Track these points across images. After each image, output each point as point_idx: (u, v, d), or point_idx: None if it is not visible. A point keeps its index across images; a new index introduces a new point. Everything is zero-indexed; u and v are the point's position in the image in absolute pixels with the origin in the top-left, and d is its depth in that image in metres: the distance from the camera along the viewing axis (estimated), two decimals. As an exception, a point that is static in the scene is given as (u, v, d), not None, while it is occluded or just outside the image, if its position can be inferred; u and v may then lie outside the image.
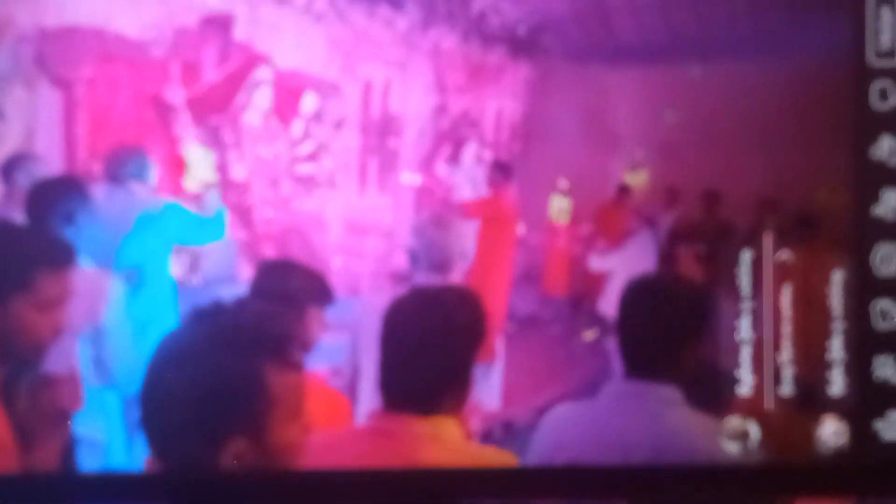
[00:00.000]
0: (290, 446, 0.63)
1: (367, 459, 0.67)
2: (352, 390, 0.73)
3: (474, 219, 0.75)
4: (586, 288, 0.73)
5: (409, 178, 0.73)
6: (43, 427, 0.67)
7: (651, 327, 0.70)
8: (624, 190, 0.75)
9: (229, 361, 0.61)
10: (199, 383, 0.60)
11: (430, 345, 0.69)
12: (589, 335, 0.70)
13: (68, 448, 0.68)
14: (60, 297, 0.62)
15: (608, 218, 0.78)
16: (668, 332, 0.70)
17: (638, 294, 0.70)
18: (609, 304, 0.73)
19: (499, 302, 0.74)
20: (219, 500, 0.66)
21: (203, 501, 0.66)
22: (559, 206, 0.77)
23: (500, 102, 0.80)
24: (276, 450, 0.62)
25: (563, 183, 0.75)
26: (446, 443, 0.69)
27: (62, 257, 0.63)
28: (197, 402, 0.60)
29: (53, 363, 0.68)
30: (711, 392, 0.71)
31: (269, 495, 0.66)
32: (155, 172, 0.72)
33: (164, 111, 0.71)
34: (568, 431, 0.71)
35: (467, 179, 0.79)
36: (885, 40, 0.64)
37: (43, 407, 0.66)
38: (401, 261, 0.75)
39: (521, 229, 0.76)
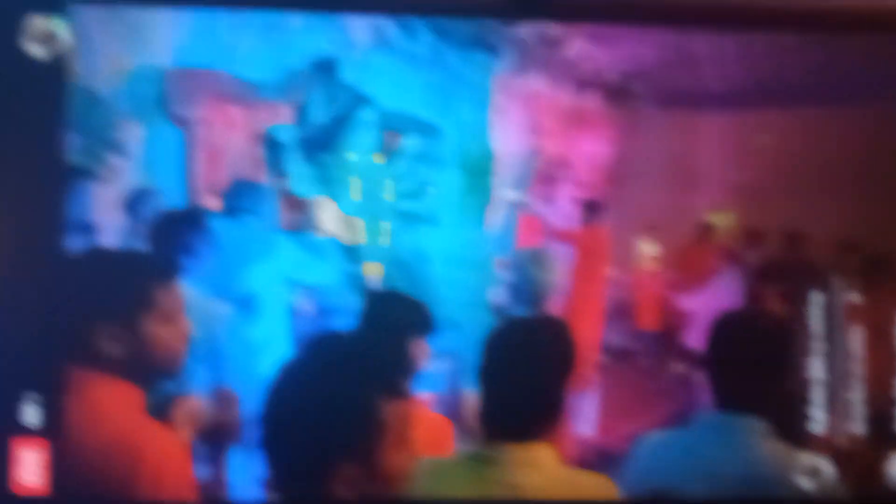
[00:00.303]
0: (398, 472, 0.65)
1: (467, 485, 0.70)
2: (454, 417, 0.75)
3: (570, 245, 0.77)
4: (676, 323, 0.74)
5: (513, 199, 0.75)
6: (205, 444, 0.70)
7: (742, 361, 0.72)
8: (706, 228, 0.76)
9: (343, 390, 0.63)
10: (314, 410, 0.62)
11: (526, 374, 0.71)
12: (679, 367, 0.71)
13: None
14: (177, 309, 0.65)
15: (692, 257, 0.79)
16: (759, 365, 0.72)
17: (728, 328, 0.71)
18: (696, 339, 0.74)
19: (592, 334, 0.75)
20: None
21: None
22: (647, 252, 0.78)
23: (592, 145, 0.81)
24: (385, 476, 0.64)
25: (650, 229, 0.76)
26: (544, 468, 0.71)
27: (169, 270, 0.67)
28: (312, 428, 0.63)
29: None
30: (796, 425, 0.73)
31: None
32: (270, 206, 0.75)
33: (275, 149, 0.73)
34: (660, 458, 0.73)
35: (561, 218, 0.80)
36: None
37: (204, 424, 0.69)
38: (499, 294, 0.77)
39: (611, 270, 0.78)
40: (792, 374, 0.71)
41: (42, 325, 0.64)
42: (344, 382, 0.63)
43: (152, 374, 0.69)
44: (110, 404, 0.67)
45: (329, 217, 0.70)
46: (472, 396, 0.76)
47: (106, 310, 0.67)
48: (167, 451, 0.68)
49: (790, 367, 0.71)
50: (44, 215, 0.64)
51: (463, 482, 0.71)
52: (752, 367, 0.71)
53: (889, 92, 0.69)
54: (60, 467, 0.63)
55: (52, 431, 0.63)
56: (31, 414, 0.62)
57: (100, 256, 0.68)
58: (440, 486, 0.71)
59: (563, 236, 0.73)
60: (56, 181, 0.64)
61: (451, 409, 0.75)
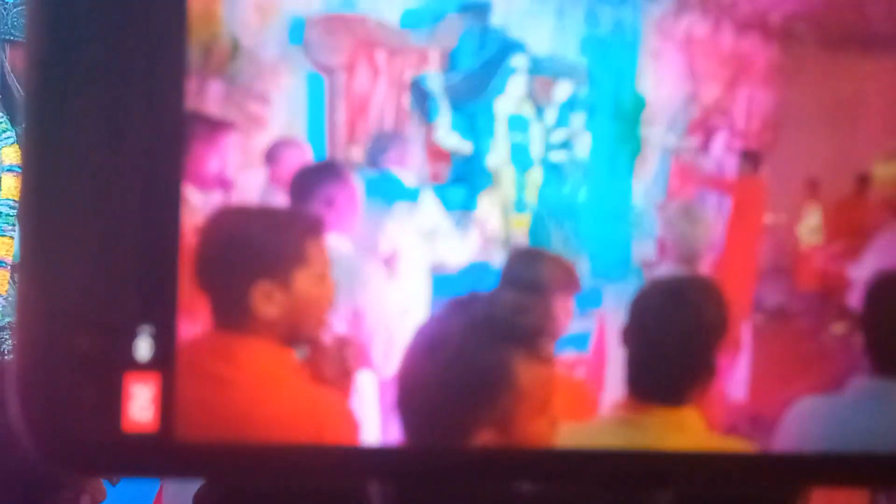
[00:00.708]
0: (537, 439, 0.64)
1: (611, 444, 0.68)
2: (599, 379, 0.72)
3: (725, 196, 0.73)
4: (837, 282, 0.70)
5: (666, 147, 0.71)
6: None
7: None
8: (863, 180, 0.71)
9: (481, 353, 0.61)
10: (451, 372, 0.61)
11: (675, 337, 0.68)
12: (838, 328, 0.67)
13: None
14: (327, 268, 0.64)
15: (852, 213, 0.74)
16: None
17: (886, 289, 0.68)
18: (858, 299, 0.70)
19: (745, 293, 0.71)
20: (456, 473, 0.67)
21: (441, 475, 0.67)
22: (809, 225, 0.73)
23: (752, 91, 0.76)
24: (524, 442, 0.63)
25: (812, 188, 0.71)
26: (690, 433, 0.69)
27: (319, 224, 0.65)
28: (448, 390, 0.61)
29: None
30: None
31: (508, 471, 0.67)
32: (413, 158, 0.72)
33: (422, 98, 0.71)
34: (813, 425, 0.70)
35: (718, 168, 0.76)
36: None
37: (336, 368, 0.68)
38: (649, 249, 0.73)
39: (770, 218, 0.73)
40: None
41: (163, 261, 0.62)
42: (482, 345, 0.61)
43: (302, 334, 0.67)
44: (261, 368, 0.66)
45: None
46: (617, 358, 0.73)
47: (256, 266, 0.66)
48: (337, 416, 0.67)
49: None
50: (171, 160, 0.63)
51: (602, 444, 0.69)
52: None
53: None
54: (174, 404, 0.62)
55: (167, 366, 0.62)
56: (144, 348, 0.61)
57: (244, 210, 0.66)
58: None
59: (718, 186, 0.69)
60: (179, 129, 0.63)
61: (597, 372, 0.73)
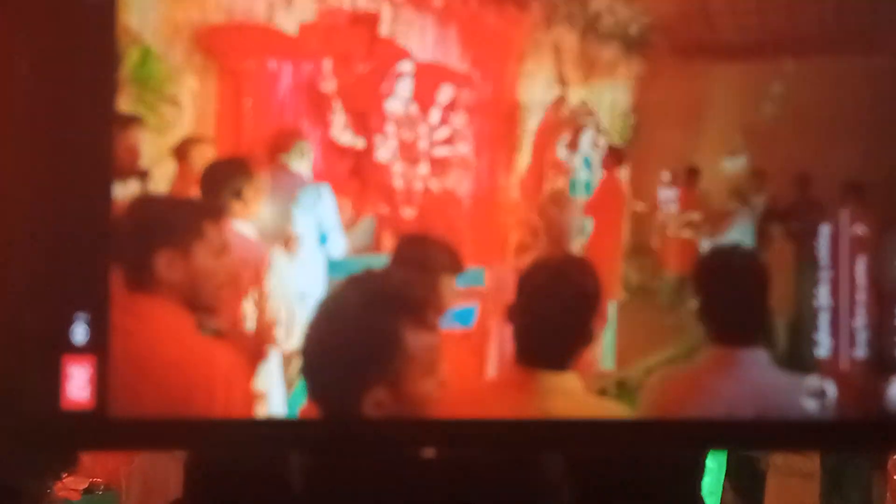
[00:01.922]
0: (425, 398, 0.68)
1: (499, 410, 0.72)
2: (480, 351, 0.77)
3: (589, 185, 0.78)
4: (689, 263, 0.76)
5: (532, 143, 0.76)
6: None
7: (735, 296, 0.73)
8: (692, 172, 0.76)
9: (375, 322, 0.66)
10: (350, 338, 0.65)
11: (559, 308, 0.73)
12: (692, 304, 0.72)
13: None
14: (225, 247, 0.68)
15: (701, 202, 0.79)
16: (756, 299, 0.73)
17: (723, 267, 0.73)
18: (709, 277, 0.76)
19: (612, 272, 0.76)
20: (360, 443, 0.71)
21: (348, 444, 0.71)
22: (667, 213, 0.78)
23: (614, 94, 0.81)
24: (413, 401, 0.67)
25: (666, 175, 0.76)
26: (571, 395, 0.73)
27: (219, 210, 0.69)
28: (347, 355, 0.65)
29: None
30: (795, 354, 0.74)
31: (406, 439, 0.71)
32: (311, 154, 0.77)
33: (317, 100, 0.74)
34: (671, 392, 0.75)
35: (584, 163, 0.81)
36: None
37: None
38: (525, 235, 0.78)
39: (637, 206, 0.78)
40: (786, 307, 0.73)
41: (96, 252, 0.66)
42: (376, 315, 0.66)
43: (201, 300, 0.71)
44: (165, 324, 0.70)
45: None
46: (500, 330, 0.78)
47: (161, 238, 0.69)
48: (224, 368, 0.70)
49: (784, 301, 0.72)
50: (96, 157, 0.66)
51: (494, 407, 0.73)
52: (750, 301, 0.72)
53: (893, 40, 0.70)
54: (108, 383, 0.66)
55: (101, 349, 0.65)
56: (81, 332, 0.64)
57: (155, 197, 0.70)
58: (472, 410, 0.73)
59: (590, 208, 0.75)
60: (107, 127, 0.66)
61: (481, 343, 0.77)
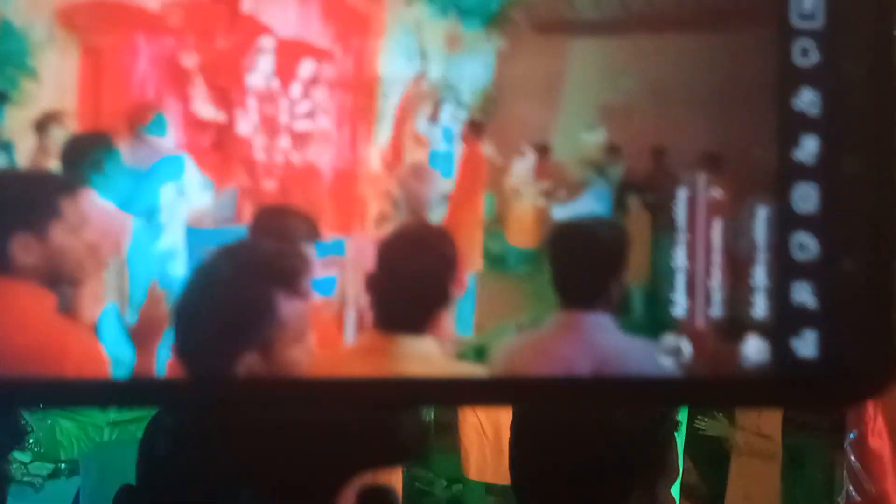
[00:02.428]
0: (294, 364, 0.69)
1: (361, 371, 0.73)
2: (339, 318, 0.77)
3: (451, 160, 0.78)
4: (543, 233, 0.76)
5: (399, 118, 0.76)
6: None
7: (580, 263, 0.75)
8: (544, 146, 0.76)
9: (246, 290, 0.67)
10: (222, 307, 0.66)
11: (416, 274, 0.74)
12: (546, 273, 0.73)
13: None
14: (84, 220, 0.67)
15: (556, 174, 0.80)
16: (596, 266, 0.75)
17: (570, 235, 0.75)
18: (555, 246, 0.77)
19: (472, 242, 0.77)
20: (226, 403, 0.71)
21: (214, 404, 0.72)
22: (524, 184, 0.78)
23: (474, 69, 0.81)
24: (283, 366, 0.68)
25: (525, 157, 0.76)
26: (430, 360, 0.75)
27: (74, 183, 0.69)
28: (220, 322, 0.66)
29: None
30: (647, 317, 0.76)
31: (273, 399, 0.72)
32: (171, 128, 0.76)
33: (178, 74, 0.73)
34: (518, 356, 0.76)
35: (443, 135, 0.81)
36: (808, 4, 0.68)
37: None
38: (385, 206, 0.78)
39: (496, 179, 0.79)
40: (629, 272, 0.74)
41: None
42: (249, 283, 0.66)
43: (61, 278, 0.71)
44: (23, 306, 0.69)
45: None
46: (360, 298, 0.79)
47: (16, 219, 0.69)
48: (81, 348, 0.70)
49: (632, 268, 0.74)
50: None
51: (355, 370, 0.74)
52: (595, 269, 0.74)
53: (740, 12, 0.72)
54: None
55: None
56: None
57: (8, 174, 0.69)
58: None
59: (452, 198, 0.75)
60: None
61: (339, 310, 0.78)
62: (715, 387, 0.69)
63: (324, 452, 0.72)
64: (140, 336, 0.70)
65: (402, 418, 0.74)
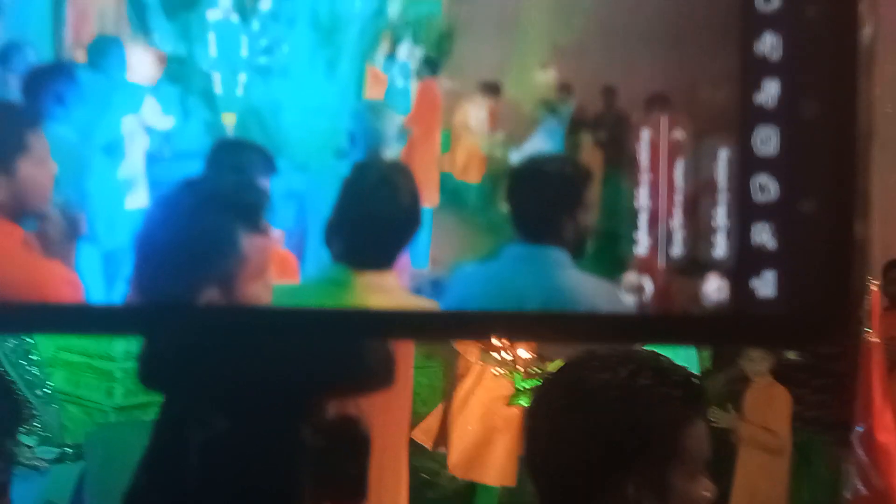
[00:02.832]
0: (255, 299, 0.69)
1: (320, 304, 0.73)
2: (299, 251, 0.78)
3: (405, 93, 0.79)
4: (501, 170, 0.77)
5: (359, 55, 0.76)
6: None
7: (541, 199, 0.76)
8: (495, 87, 0.77)
9: (208, 224, 0.67)
10: (183, 241, 0.66)
11: (382, 212, 0.75)
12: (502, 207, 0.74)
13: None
14: (47, 151, 0.67)
15: (512, 110, 0.80)
16: (552, 202, 0.75)
17: (526, 172, 0.76)
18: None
19: (429, 179, 0.77)
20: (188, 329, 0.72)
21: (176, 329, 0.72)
22: (479, 121, 0.77)
23: (431, 7, 0.81)
24: (244, 300, 0.68)
25: (479, 94, 0.76)
26: (390, 293, 0.76)
27: (39, 116, 0.68)
28: (180, 255, 0.66)
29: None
30: (608, 254, 0.77)
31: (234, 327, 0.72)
32: (134, 60, 0.76)
33: (139, 7, 0.73)
34: (471, 287, 0.77)
35: (401, 72, 0.81)
36: (770, -51, 0.69)
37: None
38: (342, 141, 0.78)
39: (452, 117, 0.79)
40: (588, 210, 0.75)
41: None
42: (208, 217, 0.67)
43: (27, 211, 0.71)
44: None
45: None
46: (316, 233, 0.79)
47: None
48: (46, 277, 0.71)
49: (585, 204, 0.74)
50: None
51: (316, 303, 0.75)
52: (550, 204, 0.75)
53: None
54: None
55: None
56: None
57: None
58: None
59: (410, 120, 0.76)
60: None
61: (298, 244, 0.78)
62: (674, 324, 0.70)
63: (292, 376, 0.73)
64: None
65: (369, 347, 0.75)
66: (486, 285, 0.72)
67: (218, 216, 0.64)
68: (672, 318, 0.70)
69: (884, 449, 3.98)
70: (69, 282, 0.63)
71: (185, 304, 0.66)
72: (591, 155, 0.74)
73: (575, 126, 0.73)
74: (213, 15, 0.69)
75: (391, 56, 0.78)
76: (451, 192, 0.76)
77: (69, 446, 4.30)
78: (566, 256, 0.70)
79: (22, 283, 0.63)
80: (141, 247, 0.64)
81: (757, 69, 0.66)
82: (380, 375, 0.78)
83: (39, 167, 0.63)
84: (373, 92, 0.77)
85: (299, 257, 0.71)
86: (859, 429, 4.03)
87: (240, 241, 0.63)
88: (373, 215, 0.70)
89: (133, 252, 0.65)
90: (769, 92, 0.65)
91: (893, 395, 3.94)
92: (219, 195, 0.65)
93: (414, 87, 0.77)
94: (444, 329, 0.71)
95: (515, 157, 0.73)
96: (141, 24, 0.67)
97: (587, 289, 0.71)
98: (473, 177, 0.77)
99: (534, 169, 0.72)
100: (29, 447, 3.84)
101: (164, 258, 0.65)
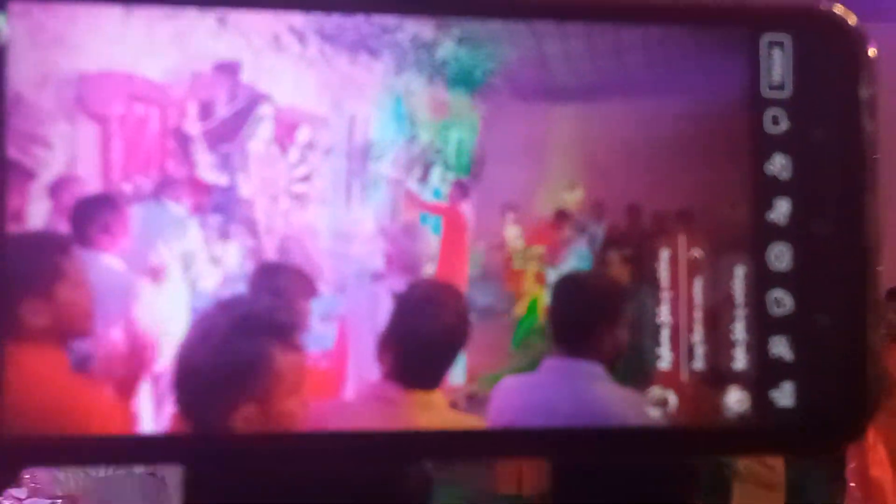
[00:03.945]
0: (290, 415, 0.68)
1: (368, 423, 0.72)
2: (340, 371, 0.77)
3: (439, 218, 0.79)
4: (536, 286, 0.77)
5: (392, 179, 0.77)
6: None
7: (580, 315, 0.75)
8: (561, 215, 0.77)
9: (244, 343, 0.66)
10: (220, 359, 0.65)
11: (435, 330, 0.74)
12: (542, 321, 0.73)
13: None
14: (83, 276, 0.67)
15: (542, 232, 0.81)
16: (590, 317, 0.75)
17: (565, 286, 0.75)
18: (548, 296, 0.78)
19: (461, 294, 0.78)
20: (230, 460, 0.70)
21: (220, 460, 0.71)
22: (511, 240, 0.79)
23: (461, 133, 0.82)
24: (279, 417, 0.67)
25: (510, 215, 0.77)
26: (438, 411, 0.74)
27: (69, 242, 0.68)
28: (218, 375, 0.66)
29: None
30: (635, 368, 0.75)
31: (272, 454, 0.71)
32: (178, 191, 0.76)
33: (183, 141, 0.74)
34: (509, 399, 0.76)
35: (433, 195, 0.82)
36: (776, 75, 0.69)
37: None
38: (379, 263, 0.78)
39: (483, 237, 0.79)
40: (624, 325, 0.74)
41: None
42: (243, 337, 0.66)
43: (70, 337, 0.70)
44: (38, 368, 0.69)
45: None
46: (357, 352, 0.78)
47: (25, 284, 0.69)
48: (96, 404, 0.70)
49: (621, 320, 0.74)
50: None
51: (364, 421, 0.74)
52: (584, 318, 0.74)
53: (714, 82, 0.73)
54: (5, 426, 0.65)
55: None
56: None
57: (16, 237, 0.69)
58: (342, 424, 0.74)
59: (433, 210, 0.75)
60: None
61: (339, 364, 0.77)
62: (699, 437, 0.69)
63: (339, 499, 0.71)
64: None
65: (406, 471, 0.74)
66: (518, 398, 0.71)
67: (252, 335, 0.63)
68: (696, 431, 0.69)
69: (877, 483, 3.92)
70: (114, 410, 0.62)
71: (228, 431, 0.65)
72: (619, 271, 0.74)
73: (605, 244, 0.73)
74: (253, 147, 0.69)
75: (424, 180, 0.77)
76: (483, 308, 0.75)
77: (60, 498, 4.24)
78: (603, 370, 0.69)
79: (66, 413, 0.62)
80: (178, 368, 0.64)
81: (768, 188, 0.67)
82: (419, 498, 0.77)
83: (77, 292, 0.62)
84: (407, 215, 0.77)
85: (340, 377, 0.70)
86: (852, 464, 3.99)
87: (273, 357, 0.63)
88: (427, 334, 0.69)
89: (173, 375, 0.64)
90: (781, 210, 0.66)
91: (885, 430, 3.88)
92: (251, 314, 0.64)
93: (446, 208, 0.77)
94: (498, 449, 0.70)
95: (552, 274, 0.72)
96: (184, 156, 0.67)
97: (619, 400, 0.70)
98: (504, 293, 0.76)
99: (575, 286, 0.72)
100: (19, 500, 3.78)
101: (202, 377, 0.64)
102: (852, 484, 4.22)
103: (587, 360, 0.71)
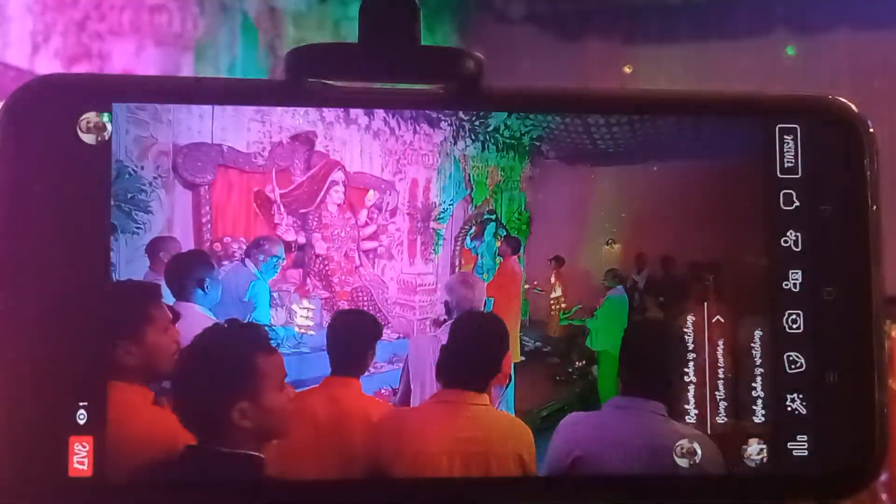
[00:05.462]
0: (281, 408, 0.74)
1: (433, 421, 0.78)
2: (404, 403, 0.81)
3: (490, 268, 0.83)
4: (576, 331, 0.80)
5: (451, 237, 0.80)
6: None
7: (643, 357, 0.78)
8: (557, 259, 0.80)
9: (233, 352, 0.72)
10: (216, 365, 0.71)
11: (481, 344, 0.79)
12: (536, 291, 0.76)
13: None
14: (169, 321, 0.72)
15: (582, 281, 0.84)
16: (658, 360, 0.78)
17: (638, 333, 0.78)
18: (593, 342, 0.80)
19: (511, 339, 0.81)
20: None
21: None
22: (556, 290, 0.83)
23: (511, 194, 0.86)
24: (271, 410, 0.73)
25: (555, 265, 0.80)
26: (488, 407, 0.79)
27: (155, 291, 0.73)
28: (214, 377, 0.71)
29: None
30: (687, 409, 0.79)
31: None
32: (261, 251, 0.80)
33: (265, 204, 0.78)
34: (579, 432, 0.79)
35: (487, 251, 0.85)
36: (789, 158, 0.73)
37: None
38: (439, 310, 0.82)
39: (532, 290, 0.83)
40: (681, 367, 0.77)
41: (86, 346, 0.70)
42: (233, 347, 0.72)
43: (155, 376, 0.75)
44: (130, 404, 0.73)
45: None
46: (419, 390, 0.82)
47: (120, 327, 0.73)
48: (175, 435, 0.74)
49: (679, 363, 0.77)
50: (91, 261, 0.70)
51: (429, 419, 0.80)
52: (652, 362, 0.78)
53: (734, 161, 0.76)
54: (104, 457, 0.70)
55: (96, 430, 0.69)
56: (81, 417, 0.69)
57: (114, 287, 0.74)
58: (412, 425, 0.80)
59: (485, 264, 0.81)
60: (101, 235, 0.71)
61: (403, 399, 0.82)
62: (721, 484, 0.72)
63: None
64: None
65: None
66: (589, 431, 0.75)
67: (239, 345, 0.70)
68: (720, 480, 0.73)
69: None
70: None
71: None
72: (655, 316, 0.77)
73: (644, 292, 0.76)
74: (327, 208, 0.74)
75: (479, 239, 0.82)
76: (532, 351, 0.79)
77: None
78: (663, 407, 0.73)
79: (150, 440, 0.67)
80: (185, 375, 0.71)
81: (783, 260, 0.70)
82: None
83: (164, 334, 0.67)
84: (464, 269, 0.81)
85: (407, 404, 0.75)
86: (883, 476, 3.88)
87: (257, 361, 0.69)
88: (474, 348, 0.76)
89: (178, 380, 0.70)
90: (794, 279, 0.69)
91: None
92: (237, 334, 0.71)
93: (498, 262, 0.81)
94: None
95: (591, 323, 0.76)
96: (268, 219, 0.71)
97: (679, 437, 0.74)
98: (556, 335, 0.80)
99: (647, 332, 0.75)
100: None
101: (202, 381, 0.70)
102: (883, 495, 4.15)
103: (651, 398, 0.75)
